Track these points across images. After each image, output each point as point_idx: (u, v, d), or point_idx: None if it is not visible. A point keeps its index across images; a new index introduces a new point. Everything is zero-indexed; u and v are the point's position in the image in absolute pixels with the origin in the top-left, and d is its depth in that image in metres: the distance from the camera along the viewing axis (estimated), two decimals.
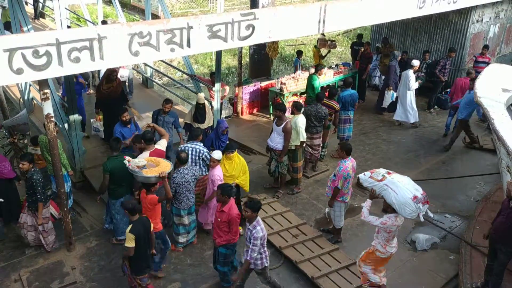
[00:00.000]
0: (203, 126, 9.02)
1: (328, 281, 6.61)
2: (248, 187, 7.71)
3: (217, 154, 6.98)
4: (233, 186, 7.01)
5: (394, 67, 12.09)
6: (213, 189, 6.90)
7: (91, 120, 10.18)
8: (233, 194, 6.37)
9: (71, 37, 5.48)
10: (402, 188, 5.67)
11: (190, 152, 7.42)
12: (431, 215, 6.04)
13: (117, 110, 8.40)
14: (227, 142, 8.29)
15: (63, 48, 5.46)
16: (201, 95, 9.16)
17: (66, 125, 8.51)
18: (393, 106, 12.14)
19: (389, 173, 5.90)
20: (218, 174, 6.98)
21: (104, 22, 14.56)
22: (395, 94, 12.04)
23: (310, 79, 11.14)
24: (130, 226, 5.59)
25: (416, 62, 11.48)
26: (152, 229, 5.87)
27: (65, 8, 9.25)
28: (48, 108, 6.22)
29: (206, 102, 9.27)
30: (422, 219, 5.77)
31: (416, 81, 11.94)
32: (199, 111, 9.02)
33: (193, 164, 7.47)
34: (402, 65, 12.34)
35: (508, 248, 5.95)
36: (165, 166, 6.48)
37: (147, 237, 5.75)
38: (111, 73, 9.43)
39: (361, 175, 6.06)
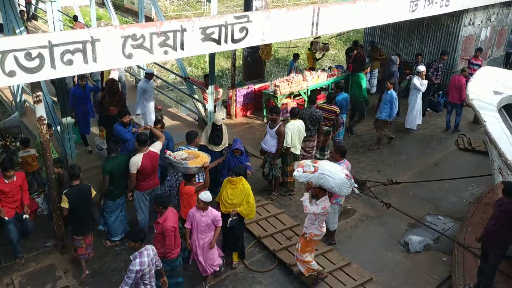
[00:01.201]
0: (219, 148, 8.20)
1: (322, 283, 6.61)
2: (254, 215, 7.00)
3: (205, 195, 6.10)
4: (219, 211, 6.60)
5: (396, 72, 12.04)
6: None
7: (95, 137, 9.86)
8: (167, 204, 5.93)
9: (64, 39, 5.46)
10: (335, 171, 6.02)
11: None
12: (357, 191, 6.52)
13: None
14: (247, 163, 7.81)
15: (56, 51, 5.44)
16: (219, 115, 8.53)
17: (58, 128, 8.47)
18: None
19: (315, 162, 6.16)
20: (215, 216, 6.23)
21: (75, 18, 14.53)
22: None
23: (357, 77, 11.09)
24: (66, 190, 6.32)
25: (422, 68, 11.44)
26: (92, 195, 6.51)
27: (58, 10, 9.21)
28: (40, 110, 6.18)
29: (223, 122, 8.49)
30: (357, 191, 6.39)
31: (410, 84, 12.05)
32: (216, 133, 8.13)
33: None
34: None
35: (498, 250, 5.99)
36: (205, 157, 7.00)
37: (84, 203, 6.42)
38: (112, 85, 9.21)
39: (295, 173, 6.13)
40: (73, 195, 6.34)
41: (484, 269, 6.24)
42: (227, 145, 8.29)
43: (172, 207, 6.06)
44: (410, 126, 11.78)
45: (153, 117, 10.16)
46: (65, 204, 6.31)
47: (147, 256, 5.19)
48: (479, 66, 12.22)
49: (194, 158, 6.89)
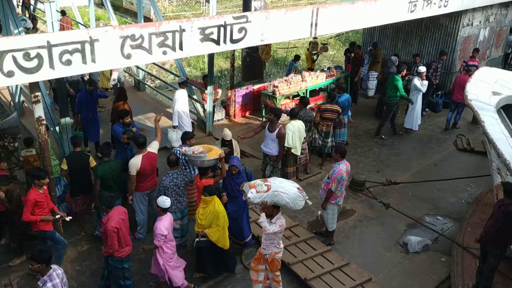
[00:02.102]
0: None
1: (321, 282, 6.61)
2: (226, 245, 6.49)
3: (162, 201, 6.03)
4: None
5: (395, 73, 12.06)
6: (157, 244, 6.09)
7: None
8: (112, 204, 5.88)
9: (62, 39, 5.46)
10: (287, 186, 5.91)
11: (181, 156, 7.40)
12: (310, 202, 6.31)
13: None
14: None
15: (55, 51, 5.44)
16: (228, 131, 8.04)
17: (57, 128, 8.46)
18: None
19: (266, 181, 6.01)
20: (161, 227, 5.97)
21: (63, 13, 14.50)
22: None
23: (392, 79, 11.02)
24: (68, 154, 7.07)
25: (423, 69, 11.49)
26: (91, 164, 7.14)
27: (56, 11, 9.19)
28: (39, 111, 6.17)
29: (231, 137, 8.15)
30: (310, 202, 6.16)
31: (408, 84, 12.07)
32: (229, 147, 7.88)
33: (186, 167, 7.45)
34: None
35: (498, 251, 5.99)
36: (217, 149, 7.15)
37: (82, 168, 7.10)
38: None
39: (249, 195, 5.83)
40: (72, 159, 7.12)
41: (483, 269, 6.25)
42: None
43: (120, 207, 6.03)
44: (410, 126, 11.79)
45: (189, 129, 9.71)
46: (64, 166, 7.06)
47: (57, 277, 4.89)
48: (476, 67, 12.23)
49: (208, 152, 7.05)
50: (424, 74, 11.46)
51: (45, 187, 6.26)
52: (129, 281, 6.20)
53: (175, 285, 6.31)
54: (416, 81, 11.32)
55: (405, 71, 11.70)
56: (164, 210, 6.07)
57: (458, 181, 9.43)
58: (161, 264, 6.13)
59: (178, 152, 7.47)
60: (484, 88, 8.55)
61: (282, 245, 6.13)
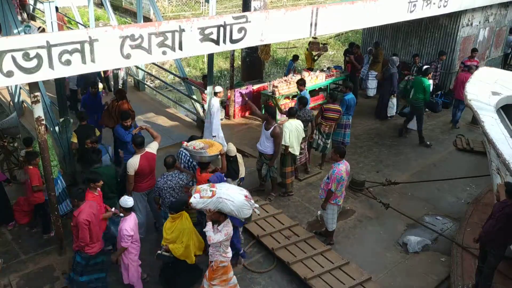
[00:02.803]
0: (235, 182, 7.44)
1: (321, 281, 6.61)
2: (191, 259, 6.27)
3: (124, 201, 6.01)
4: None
5: (396, 74, 12.07)
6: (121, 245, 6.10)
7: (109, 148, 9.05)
8: (83, 196, 5.86)
9: (62, 39, 5.45)
10: (233, 193, 5.76)
11: (182, 157, 7.37)
12: (257, 211, 6.25)
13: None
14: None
15: (54, 51, 5.43)
16: (233, 147, 7.60)
17: (57, 128, 8.45)
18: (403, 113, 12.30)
19: (213, 186, 5.88)
20: (126, 228, 5.95)
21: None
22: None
23: (420, 82, 10.91)
24: (76, 128, 7.97)
25: (429, 69, 11.54)
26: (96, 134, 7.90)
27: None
28: (38, 111, 6.16)
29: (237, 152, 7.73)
30: (257, 212, 6.10)
31: (408, 85, 12.10)
32: (233, 165, 7.50)
33: (187, 167, 7.42)
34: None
35: (498, 251, 5.99)
36: (219, 145, 7.14)
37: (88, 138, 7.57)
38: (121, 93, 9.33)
39: (192, 199, 5.76)
40: (81, 132, 8.00)
41: (482, 269, 6.25)
42: (243, 175, 7.80)
43: (93, 202, 6.00)
44: (413, 127, 11.77)
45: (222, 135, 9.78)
46: (74, 139, 8.03)
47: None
48: (476, 66, 12.23)
49: (209, 147, 7.08)
50: (430, 75, 11.49)
51: (99, 189, 6.40)
52: (102, 274, 6.20)
53: (131, 282, 6.27)
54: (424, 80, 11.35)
55: (430, 75, 11.68)
56: (128, 210, 6.01)
57: (457, 181, 9.43)
58: (126, 263, 6.14)
59: (181, 151, 7.45)
60: (484, 88, 8.55)
61: (229, 254, 5.94)
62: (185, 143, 7.21)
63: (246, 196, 5.82)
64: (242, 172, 7.75)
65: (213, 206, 5.69)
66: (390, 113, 12.44)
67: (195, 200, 5.73)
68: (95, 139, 7.64)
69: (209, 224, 5.77)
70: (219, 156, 7.01)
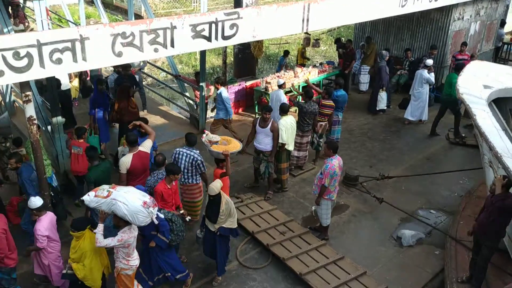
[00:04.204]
0: (215, 227, 6.37)
1: (316, 277, 6.64)
2: (95, 286, 5.89)
3: (33, 201, 5.86)
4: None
5: (384, 67, 12.16)
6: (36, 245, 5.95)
7: (119, 148, 8.33)
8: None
9: (52, 38, 5.41)
10: (130, 198, 5.48)
11: (183, 157, 7.18)
12: (162, 216, 5.95)
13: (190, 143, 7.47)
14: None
15: (45, 50, 5.38)
16: (215, 186, 6.25)
17: (49, 128, 8.40)
18: (404, 104, 12.37)
19: (113, 187, 5.63)
20: (40, 228, 5.85)
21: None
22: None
23: (450, 77, 10.86)
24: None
25: (430, 62, 11.73)
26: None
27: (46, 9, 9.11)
28: (30, 110, 6.12)
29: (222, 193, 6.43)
30: (156, 221, 5.67)
31: (401, 79, 12.15)
32: (212, 206, 6.33)
33: (185, 170, 7.29)
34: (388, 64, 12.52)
35: (491, 243, 6.04)
36: (234, 146, 7.23)
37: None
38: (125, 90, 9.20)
39: (85, 197, 5.53)
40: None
41: (476, 261, 6.30)
42: (234, 227, 6.51)
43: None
44: (420, 117, 11.95)
45: None
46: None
47: None
48: (468, 60, 12.29)
49: (226, 144, 7.25)
50: (431, 67, 11.70)
51: (174, 183, 6.46)
52: None
53: (56, 284, 6.20)
54: (425, 74, 11.51)
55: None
56: (40, 210, 5.86)
57: (450, 175, 9.49)
58: (46, 264, 6.04)
59: (181, 151, 7.36)
60: (476, 81, 8.60)
61: (134, 263, 5.71)
62: (206, 132, 7.57)
63: (144, 203, 5.46)
64: (234, 222, 6.46)
65: (106, 207, 5.43)
66: (379, 106, 12.48)
67: (89, 198, 5.49)
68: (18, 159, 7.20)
69: (100, 226, 5.50)
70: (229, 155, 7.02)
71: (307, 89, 9.76)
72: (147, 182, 6.70)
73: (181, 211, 6.62)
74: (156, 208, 5.62)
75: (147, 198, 5.55)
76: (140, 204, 5.40)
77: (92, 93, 10.65)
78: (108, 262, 6.02)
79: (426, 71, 11.56)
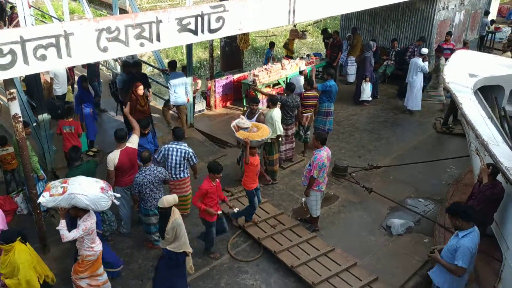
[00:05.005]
0: (165, 244, 5.89)
1: (308, 269, 6.68)
2: None
3: None
4: None
5: (369, 58, 12.21)
6: None
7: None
8: None
9: (36, 34, 5.32)
10: (87, 187, 5.49)
11: (174, 152, 7.20)
12: (117, 201, 5.97)
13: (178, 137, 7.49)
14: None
15: (28, 46, 5.30)
16: (166, 198, 5.78)
17: (35, 125, 8.30)
18: (403, 93, 12.43)
19: (65, 182, 5.58)
20: None
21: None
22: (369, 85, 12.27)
23: None
24: None
25: (425, 50, 11.91)
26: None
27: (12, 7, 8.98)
28: (15, 108, 6.04)
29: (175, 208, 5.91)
30: (117, 202, 5.84)
31: (387, 69, 12.21)
32: (161, 222, 5.86)
33: (177, 165, 7.30)
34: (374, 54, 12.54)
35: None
36: (261, 133, 7.66)
37: None
38: (139, 88, 8.95)
39: (41, 199, 5.47)
40: None
41: None
42: (179, 251, 5.88)
43: None
44: (415, 107, 12.04)
45: None
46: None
47: None
48: (451, 50, 12.40)
49: (256, 131, 7.61)
50: (425, 56, 11.85)
51: (218, 180, 6.66)
52: None
53: None
54: (420, 62, 11.61)
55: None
56: None
57: (438, 163, 9.59)
58: None
59: (169, 147, 7.34)
60: (461, 70, 8.67)
61: (98, 248, 5.75)
62: (241, 116, 8.03)
63: (102, 188, 5.52)
64: (180, 245, 5.84)
65: (65, 203, 5.39)
66: (362, 97, 12.53)
67: (45, 199, 5.40)
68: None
69: (62, 222, 5.47)
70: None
71: (287, 83, 9.80)
72: (135, 179, 6.64)
73: (219, 212, 6.74)
74: (111, 190, 5.71)
75: (101, 183, 5.63)
76: (98, 190, 5.48)
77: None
78: (48, 271, 5.89)
79: (420, 59, 11.68)
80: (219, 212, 6.78)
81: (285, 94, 9.39)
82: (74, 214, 5.60)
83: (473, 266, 5.45)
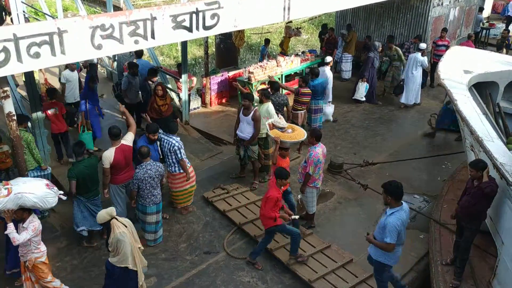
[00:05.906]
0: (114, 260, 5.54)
1: (304, 266, 6.68)
2: None
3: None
4: None
5: (372, 58, 12.12)
6: None
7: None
8: None
9: (29, 31, 5.29)
10: (33, 185, 5.45)
11: (164, 144, 7.34)
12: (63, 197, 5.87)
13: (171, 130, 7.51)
14: None
15: (22, 44, 5.26)
16: (100, 212, 5.45)
17: (29, 124, 8.24)
18: (399, 89, 12.49)
19: (7, 184, 5.46)
20: None
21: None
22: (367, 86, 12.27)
23: None
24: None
25: (423, 45, 12.05)
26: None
27: (22, 2, 8.90)
28: (9, 106, 6.00)
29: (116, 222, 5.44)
30: (64, 197, 5.76)
31: (382, 66, 12.22)
32: (107, 230, 5.54)
33: (166, 157, 7.36)
34: (366, 49, 12.54)
35: (473, 225, 6.15)
36: (296, 135, 7.66)
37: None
38: (158, 88, 9.04)
39: None
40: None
41: (459, 244, 6.41)
42: (127, 266, 5.51)
43: None
44: (412, 102, 12.17)
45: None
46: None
47: None
48: (446, 46, 12.44)
49: (291, 132, 7.66)
50: (424, 51, 11.97)
51: (283, 187, 6.56)
52: None
53: None
54: (419, 56, 11.74)
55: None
56: None
57: (433, 159, 9.62)
58: None
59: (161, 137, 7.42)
60: (456, 67, 8.69)
61: (43, 248, 5.65)
62: (279, 115, 8.11)
63: (47, 185, 5.48)
64: (119, 262, 5.47)
65: (12, 205, 5.28)
66: (355, 96, 12.54)
67: None
68: None
69: (11, 225, 5.35)
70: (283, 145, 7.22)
71: (272, 81, 9.81)
72: (136, 174, 6.64)
73: (295, 217, 6.66)
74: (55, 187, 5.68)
75: (44, 180, 5.62)
76: (44, 187, 5.45)
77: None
78: None
79: (420, 54, 11.79)
80: (296, 216, 6.68)
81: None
82: (19, 216, 5.45)
83: (405, 239, 5.73)
